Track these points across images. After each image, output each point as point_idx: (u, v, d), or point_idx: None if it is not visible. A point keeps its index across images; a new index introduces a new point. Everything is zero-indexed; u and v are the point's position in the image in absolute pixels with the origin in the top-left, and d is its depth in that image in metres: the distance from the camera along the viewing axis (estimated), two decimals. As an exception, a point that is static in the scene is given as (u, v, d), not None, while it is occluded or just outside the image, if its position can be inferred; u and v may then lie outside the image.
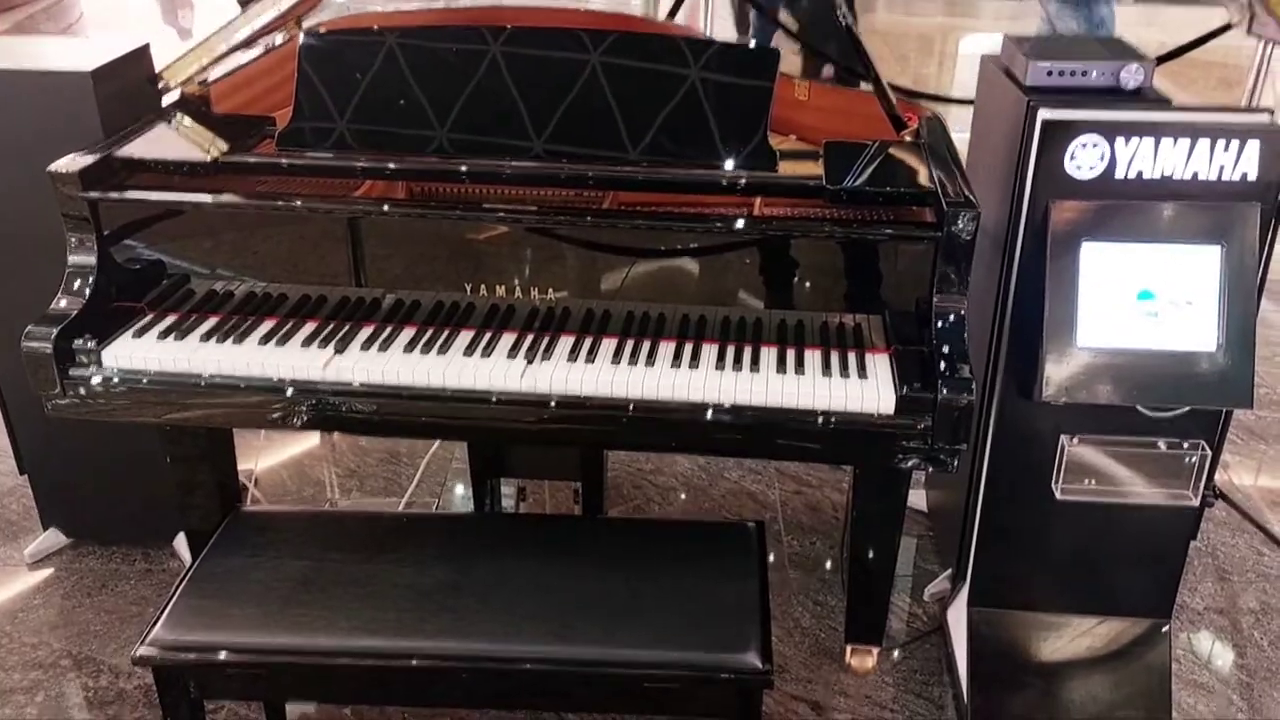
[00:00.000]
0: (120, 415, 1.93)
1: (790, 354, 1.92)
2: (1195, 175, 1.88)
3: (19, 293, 2.28)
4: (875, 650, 2.34)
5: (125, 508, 2.59)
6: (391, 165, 2.03)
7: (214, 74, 2.41)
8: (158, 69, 2.36)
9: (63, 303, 1.92)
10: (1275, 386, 3.53)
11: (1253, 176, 1.86)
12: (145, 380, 1.90)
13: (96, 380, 1.89)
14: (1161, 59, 2.33)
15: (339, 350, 1.90)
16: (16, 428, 2.55)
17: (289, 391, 1.88)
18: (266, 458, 3.05)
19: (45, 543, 2.65)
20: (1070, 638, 2.22)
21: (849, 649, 2.34)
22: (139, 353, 1.89)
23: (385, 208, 1.96)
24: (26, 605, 2.50)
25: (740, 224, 1.91)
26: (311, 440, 3.15)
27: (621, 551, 1.90)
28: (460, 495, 2.92)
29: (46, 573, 2.60)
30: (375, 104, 2.07)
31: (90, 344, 1.89)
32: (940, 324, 1.87)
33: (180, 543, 2.61)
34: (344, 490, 2.94)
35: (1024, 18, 8.73)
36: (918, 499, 2.85)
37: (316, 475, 3.01)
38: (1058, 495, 2.07)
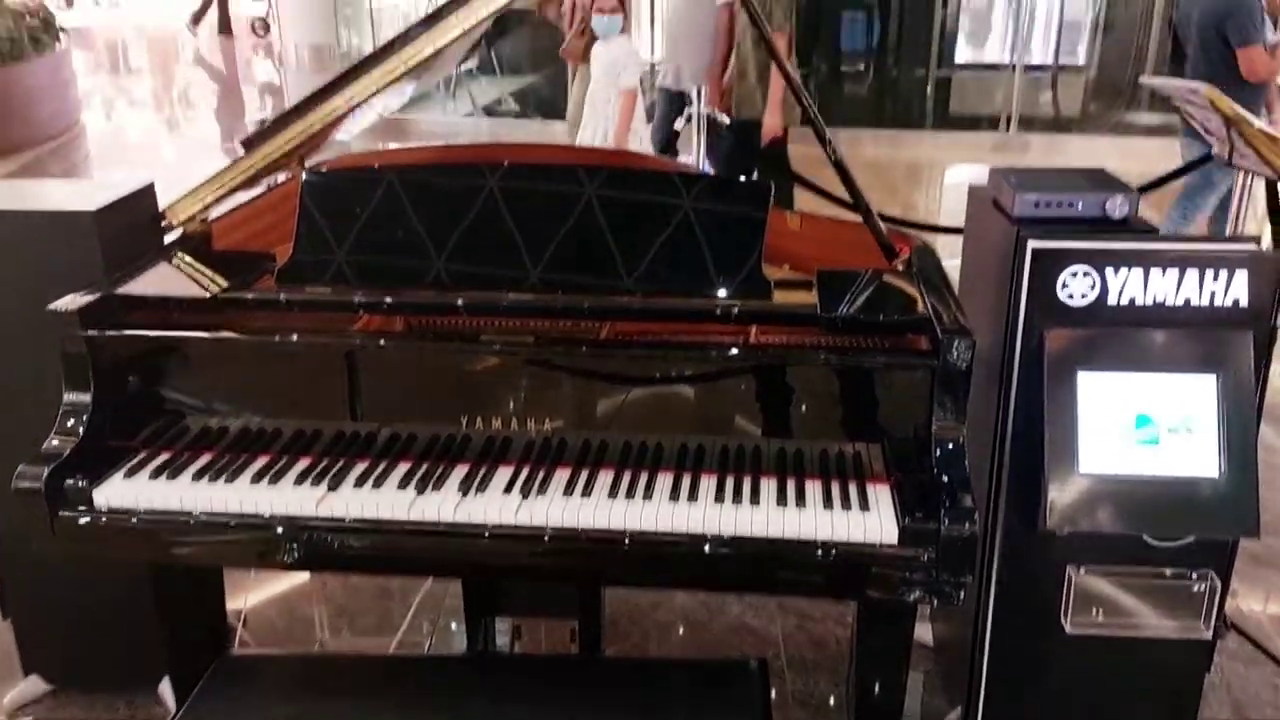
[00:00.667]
0: (110, 555, 1.90)
1: (790, 484, 1.89)
2: (1187, 302, 1.90)
3: (17, 433, 2.25)
4: (885, 794, 2.24)
5: (109, 653, 2.51)
6: (388, 299, 2.04)
7: (217, 211, 2.45)
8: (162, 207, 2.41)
9: (55, 442, 1.90)
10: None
11: (1244, 303, 1.88)
12: (135, 520, 1.86)
13: (86, 520, 1.86)
14: (1144, 189, 2.40)
15: (332, 487, 1.87)
16: (3, 570, 2.50)
17: (280, 529, 1.84)
18: (256, 595, 2.98)
19: (26, 690, 2.56)
20: (1087, 778, 2.14)
21: (858, 791, 2.25)
22: (130, 492, 1.87)
23: (381, 341, 1.97)
24: (3, 756, 2.41)
25: (736, 352, 1.92)
26: (301, 577, 3.08)
27: (621, 693, 1.84)
28: (454, 634, 2.85)
29: (26, 721, 2.52)
30: (374, 239, 2.10)
31: (82, 483, 1.86)
32: (940, 452, 1.85)
33: (165, 689, 2.52)
34: (334, 629, 2.87)
35: (1005, 150, 8.99)
36: (923, 632, 2.78)
37: (306, 613, 2.94)
38: (1067, 629, 2.02)
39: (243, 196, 2.51)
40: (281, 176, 2.64)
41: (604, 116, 5.06)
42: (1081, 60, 10.29)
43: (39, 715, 2.53)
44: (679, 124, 4.46)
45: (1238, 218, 3.44)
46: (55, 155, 8.57)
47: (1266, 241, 2.55)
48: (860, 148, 8.39)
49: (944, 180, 8.33)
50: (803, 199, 4.44)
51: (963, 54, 10.42)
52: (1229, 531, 1.95)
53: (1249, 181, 3.09)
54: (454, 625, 2.87)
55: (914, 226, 4.13)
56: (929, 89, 10.10)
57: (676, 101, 5.90)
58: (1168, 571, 1.99)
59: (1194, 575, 1.99)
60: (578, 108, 5.61)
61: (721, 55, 5.57)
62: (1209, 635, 2.01)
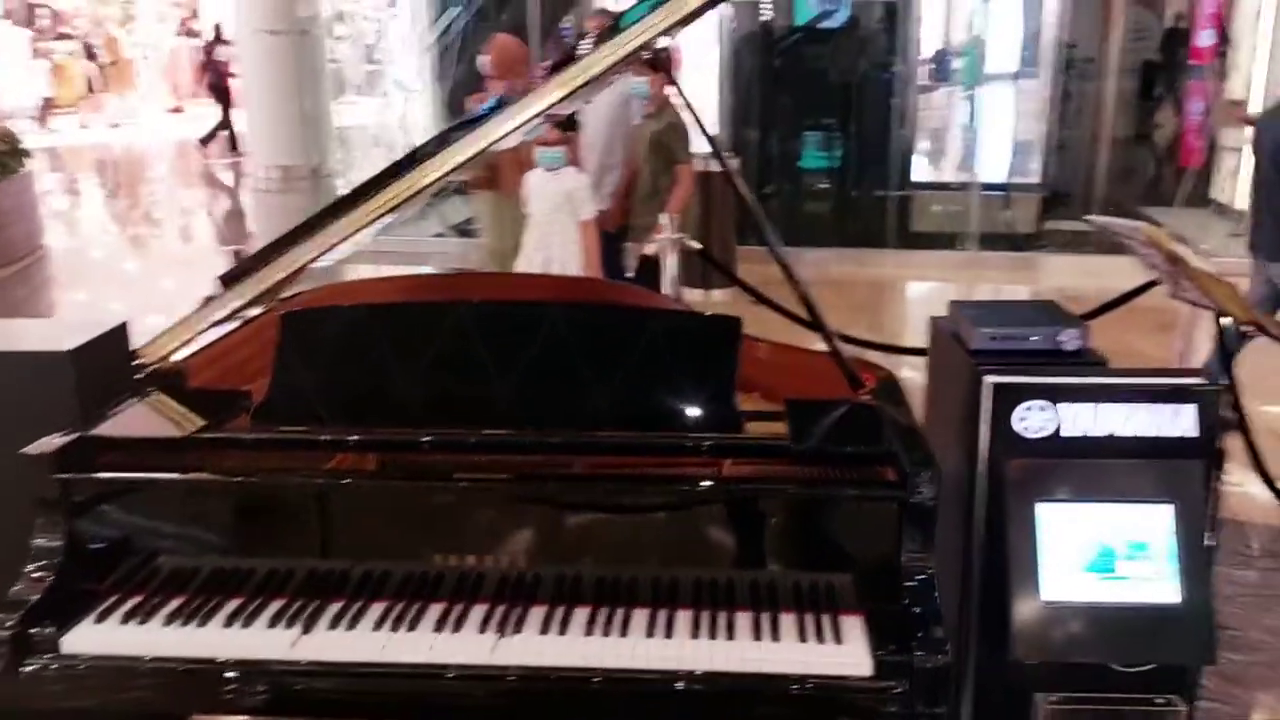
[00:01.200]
0: (75, 703, 1.87)
1: (765, 618, 1.91)
2: (1137, 434, 1.97)
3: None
4: None
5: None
6: (361, 438, 2.06)
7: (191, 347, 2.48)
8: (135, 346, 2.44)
9: (22, 587, 1.90)
10: (1245, 630, 3.53)
11: (1192, 434, 1.96)
12: (103, 668, 1.85)
13: (52, 669, 1.84)
14: (1088, 316, 2.49)
15: (306, 629, 1.87)
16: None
17: (252, 674, 1.83)
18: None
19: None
20: None
21: None
22: (100, 639, 1.86)
23: (354, 481, 1.99)
24: None
25: (710, 485, 1.95)
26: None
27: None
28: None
29: None
30: (349, 378, 2.14)
31: (49, 630, 1.85)
32: (910, 584, 1.88)
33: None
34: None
35: (965, 268, 9.22)
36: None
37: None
38: (1043, 760, 2.04)
39: (218, 331, 2.55)
40: (254, 310, 2.68)
41: (556, 246, 5.00)
42: (1036, 179, 10.66)
43: None
44: (650, 248, 4.57)
45: (1186, 355, 3.58)
46: (18, 278, 8.57)
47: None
48: (826, 267, 8.59)
49: (906, 295, 8.52)
50: (766, 321, 4.53)
51: (920, 173, 10.77)
52: (1190, 659, 1.98)
53: (1192, 320, 3.22)
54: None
55: (882, 349, 4.23)
56: (889, 208, 10.39)
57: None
58: (1135, 699, 2.02)
59: (1160, 701, 2.01)
60: (504, 240, 5.51)
61: (627, 176, 5.57)
62: (1181, 763, 2.03)
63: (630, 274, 5.02)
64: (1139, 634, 1.94)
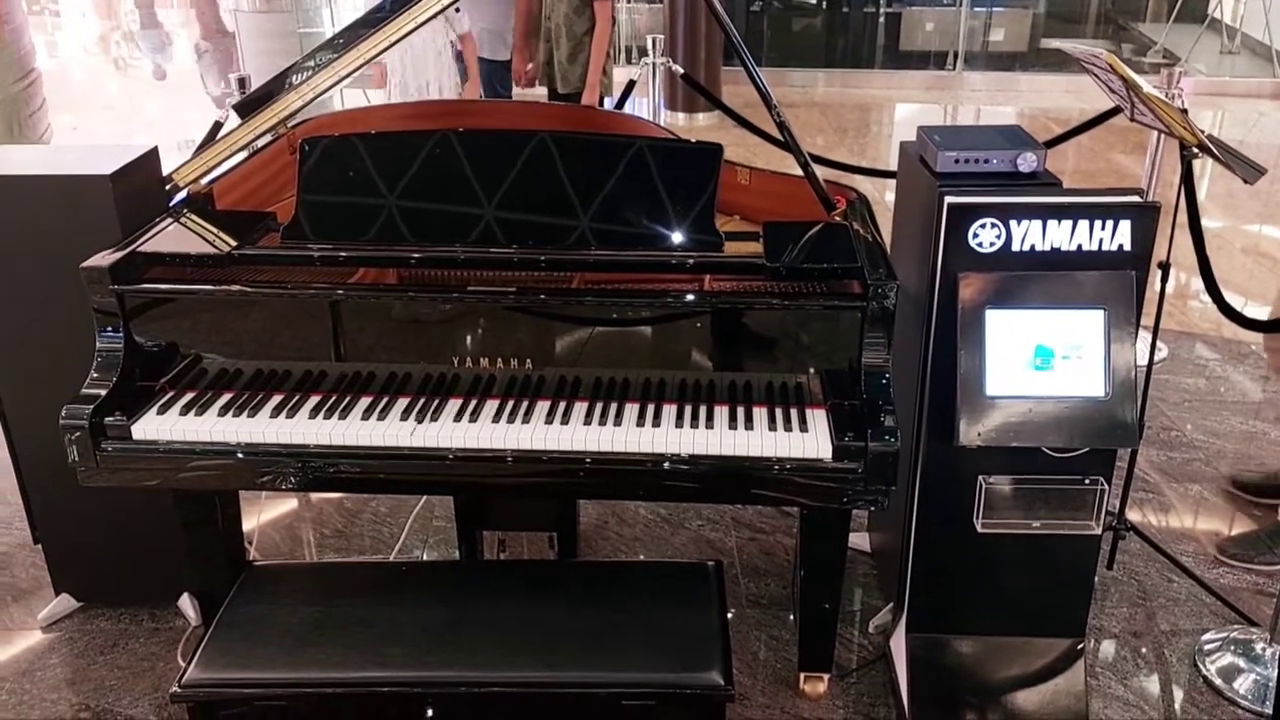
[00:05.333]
0: (147, 481, 2.16)
1: (741, 411, 2.19)
2: (1079, 247, 2.19)
3: (40, 376, 2.51)
4: (826, 677, 2.59)
5: (131, 572, 2.79)
6: (389, 254, 2.28)
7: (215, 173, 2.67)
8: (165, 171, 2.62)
9: (94, 384, 2.15)
10: (1187, 431, 3.87)
11: (1127, 248, 2.19)
12: (167, 450, 2.13)
13: (126, 451, 2.12)
14: (1053, 142, 2.66)
15: (342, 419, 2.15)
16: (32, 499, 2.75)
17: (297, 456, 2.11)
18: (258, 519, 3.26)
19: (57, 607, 2.83)
20: (997, 656, 2.49)
21: (802, 676, 2.59)
22: (164, 426, 2.13)
23: (370, 293, 2.22)
24: (43, 665, 2.68)
25: (693, 298, 2.19)
26: (297, 503, 3.36)
27: (598, 589, 2.15)
28: (441, 550, 3.15)
29: (59, 634, 2.78)
30: (368, 199, 2.33)
31: (120, 419, 2.12)
32: (867, 381, 2.15)
33: (184, 602, 2.81)
34: (336, 549, 3.15)
35: (949, 88, 9.22)
36: (861, 541, 3.12)
37: (306, 537, 3.22)
38: (979, 529, 2.35)
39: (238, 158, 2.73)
40: (267, 137, 2.85)
41: (432, 68, 4.85)
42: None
43: (71, 629, 2.80)
44: (634, 73, 4.66)
45: (1152, 172, 3.76)
46: (13, 101, 8.52)
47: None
48: (813, 88, 8.59)
49: (894, 118, 8.57)
50: (747, 146, 4.68)
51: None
52: (1114, 443, 2.27)
53: (1161, 140, 3.39)
54: (441, 544, 3.16)
55: (857, 172, 4.41)
56: (879, 24, 10.25)
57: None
58: (1063, 479, 2.32)
59: (1086, 481, 2.32)
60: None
61: (522, 20, 5.39)
62: (1098, 531, 2.35)
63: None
64: (1069, 422, 2.21)
